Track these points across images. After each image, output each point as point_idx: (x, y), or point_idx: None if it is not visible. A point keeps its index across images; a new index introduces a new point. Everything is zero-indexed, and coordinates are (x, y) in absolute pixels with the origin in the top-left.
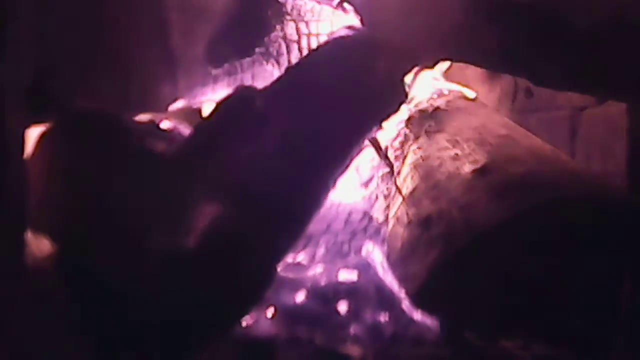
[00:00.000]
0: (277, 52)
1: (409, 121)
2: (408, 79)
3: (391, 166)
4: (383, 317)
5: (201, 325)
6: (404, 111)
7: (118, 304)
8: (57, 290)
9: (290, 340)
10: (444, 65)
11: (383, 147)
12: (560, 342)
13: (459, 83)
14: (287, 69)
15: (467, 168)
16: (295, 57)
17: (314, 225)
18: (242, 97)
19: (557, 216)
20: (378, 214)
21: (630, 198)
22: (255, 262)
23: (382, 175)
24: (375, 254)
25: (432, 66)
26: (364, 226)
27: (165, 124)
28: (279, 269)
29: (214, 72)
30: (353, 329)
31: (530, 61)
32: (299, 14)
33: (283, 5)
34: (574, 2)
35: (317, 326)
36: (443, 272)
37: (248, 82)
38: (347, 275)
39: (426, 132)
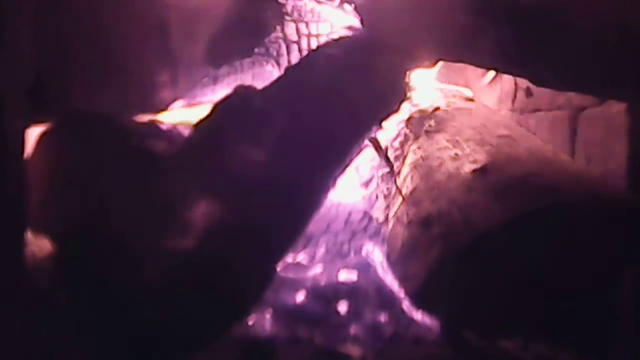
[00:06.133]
0: (277, 52)
1: (409, 121)
2: (408, 79)
3: (391, 166)
4: (383, 317)
5: (201, 325)
6: (404, 111)
7: (118, 303)
8: (57, 290)
9: (290, 340)
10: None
11: (383, 147)
12: (560, 342)
13: (459, 83)
14: (287, 69)
15: (467, 168)
16: (295, 58)
17: (314, 225)
18: (241, 97)
19: (557, 217)
20: (378, 214)
21: (630, 198)
22: (255, 262)
23: (382, 175)
24: (375, 254)
25: (432, 66)
26: (364, 226)
27: (165, 124)
28: (279, 269)
29: (214, 72)
30: (353, 329)
31: (530, 61)
32: (299, 15)
33: (283, 5)
34: (574, 3)
35: (317, 326)
36: (443, 272)
37: (248, 82)
38: (347, 275)
39: (426, 132)
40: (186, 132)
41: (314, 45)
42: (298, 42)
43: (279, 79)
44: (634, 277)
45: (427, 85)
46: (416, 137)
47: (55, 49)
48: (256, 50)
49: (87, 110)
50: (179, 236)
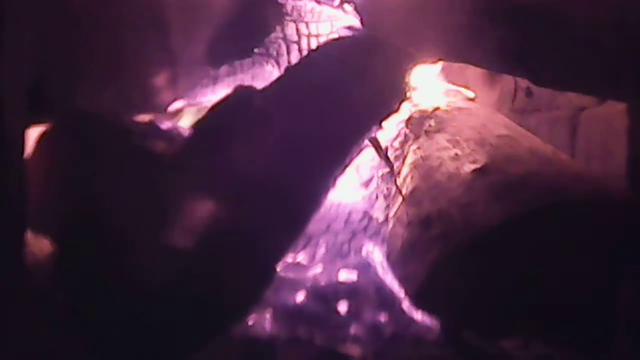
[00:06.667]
0: (277, 52)
1: (409, 121)
2: (408, 78)
3: (391, 166)
4: (383, 317)
5: (201, 325)
6: (404, 111)
7: (117, 303)
8: (57, 290)
9: (290, 340)
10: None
11: (383, 147)
12: (560, 342)
13: (459, 83)
14: (287, 69)
15: (467, 168)
16: (295, 58)
17: (314, 225)
18: (241, 97)
19: (557, 216)
20: (378, 214)
21: (630, 198)
22: (254, 262)
23: (382, 175)
24: (375, 254)
25: (432, 66)
26: (364, 226)
27: (165, 124)
28: (279, 269)
29: (214, 72)
30: (353, 329)
31: (530, 61)
32: (299, 15)
33: (283, 6)
34: (573, 2)
35: (317, 326)
36: (443, 272)
37: (248, 82)
38: (347, 275)
39: (426, 132)
40: (186, 132)
41: (314, 45)
42: (298, 42)
43: (279, 79)
44: (634, 277)
45: (427, 85)
46: (416, 137)
47: (55, 49)
48: (256, 50)
49: (87, 110)
50: (179, 236)
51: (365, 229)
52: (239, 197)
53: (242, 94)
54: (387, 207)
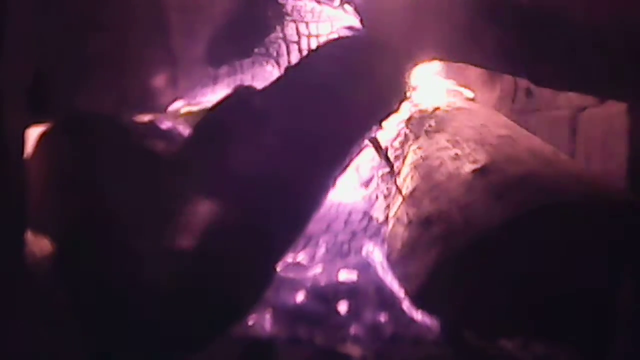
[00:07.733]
0: (277, 52)
1: (409, 121)
2: (408, 78)
3: (391, 166)
4: (383, 317)
5: (201, 325)
6: (404, 111)
7: (118, 303)
8: (57, 290)
9: (290, 340)
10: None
11: (383, 147)
12: (560, 342)
13: (459, 83)
14: (287, 69)
15: (467, 168)
16: (295, 58)
17: (314, 225)
18: (241, 97)
19: (557, 217)
20: (378, 214)
21: (630, 199)
22: (254, 262)
23: (382, 175)
24: (375, 254)
25: (431, 66)
26: (364, 226)
27: (165, 124)
28: (278, 269)
29: (214, 72)
30: (353, 329)
31: (530, 61)
32: (299, 15)
33: (283, 6)
34: (574, 2)
35: (317, 326)
36: (443, 272)
37: (248, 82)
38: (347, 275)
39: (426, 132)
40: (186, 132)
41: (314, 45)
42: (298, 42)
43: (279, 79)
44: (634, 277)
45: (427, 85)
46: (416, 137)
47: (55, 49)
48: (256, 50)
49: (87, 110)
50: (179, 236)
51: (365, 229)
52: (239, 197)
53: (242, 94)
54: (387, 207)
